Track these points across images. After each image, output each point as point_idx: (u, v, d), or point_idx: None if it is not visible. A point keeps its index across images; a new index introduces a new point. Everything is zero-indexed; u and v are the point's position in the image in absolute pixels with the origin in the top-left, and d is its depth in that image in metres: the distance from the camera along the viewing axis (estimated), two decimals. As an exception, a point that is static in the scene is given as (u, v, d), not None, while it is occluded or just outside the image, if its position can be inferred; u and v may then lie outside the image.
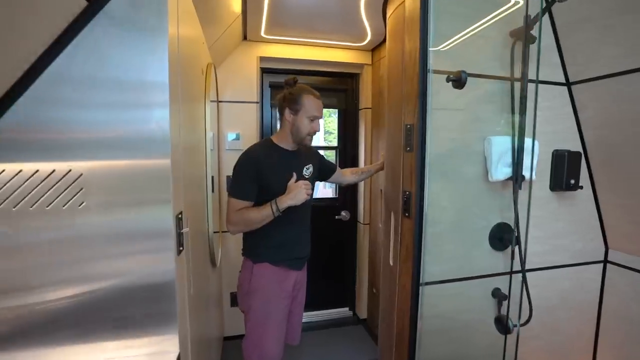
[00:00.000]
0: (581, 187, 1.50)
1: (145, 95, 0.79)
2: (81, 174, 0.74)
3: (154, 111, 0.80)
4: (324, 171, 1.69)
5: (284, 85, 1.45)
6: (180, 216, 0.90)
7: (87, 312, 0.79)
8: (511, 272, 1.39)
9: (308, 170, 1.51)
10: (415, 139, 1.30)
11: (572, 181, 1.48)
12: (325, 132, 4.18)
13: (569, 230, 1.60)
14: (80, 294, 0.80)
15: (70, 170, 0.74)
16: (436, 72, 1.27)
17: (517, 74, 1.35)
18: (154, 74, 0.79)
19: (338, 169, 1.76)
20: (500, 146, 1.33)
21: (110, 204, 0.78)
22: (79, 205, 0.75)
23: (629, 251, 1.57)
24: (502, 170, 1.35)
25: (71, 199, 0.75)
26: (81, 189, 0.75)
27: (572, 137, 1.55)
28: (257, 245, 1.42)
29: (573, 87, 1.49)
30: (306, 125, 1.39)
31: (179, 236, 0.88)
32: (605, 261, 1.67)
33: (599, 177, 1.55)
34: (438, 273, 1.38)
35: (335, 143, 2.83)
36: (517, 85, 1.35)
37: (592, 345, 1.71)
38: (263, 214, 1.31)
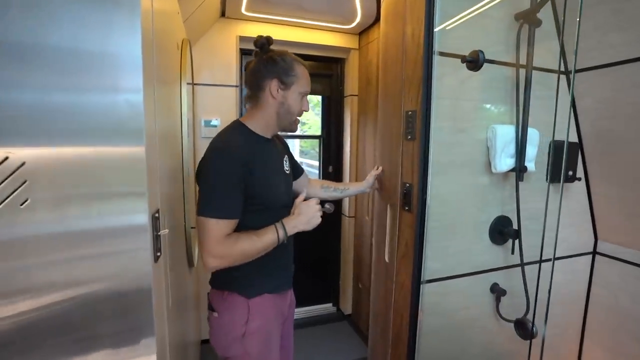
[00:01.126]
0: (579, 179, 1.47)
1: (113, 72, 0.62)
2: (23, 163, 0.57)
3: (124, 91, 0.63)
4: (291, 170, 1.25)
5: (257, 47, 1.05)
6: (157, 215, 0.74)
7: (42, 332, 0.63)
8: (522, 265, 1.34)
9: (287, 164, 1.17)
10: (417, 127, 1.20)
11: (571, 173, 1.45)
12: (302, 124, 3.99)
13: (564, 223, 1.57)
14: (29, 311, 0.63)
15: (7, 158, 0.56)
16: (442, 54, 1.16)
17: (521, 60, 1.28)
18: (123, 45, 0.63)
19: (305, 174, 1.37)
20: (505, 136, 1.26)
21: (64, 199, 0.61)
22: (22, 204, 0.58)
23: (618, 242, 1.58)
24: (505, 161, 1.28)
25: (11, 194, 0.57)
26: (24, 181, 0.57)
27: (568, 127, 1.52)
28: (249, 274, 1.02)
29: (571, 76, 1.45)
30: (298, 103, 1.06)
31: (157, 239, 0.73)
32: (595, 252, 1.67)
33: (594, 168, 1.54)
34: (438, 270, 1.31)
35: (312, 132, 2.69)
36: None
37: (579, 335, 1.72)
38: (265, 242, 0.95)
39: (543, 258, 1.55)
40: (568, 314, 1.69)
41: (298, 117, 1.10)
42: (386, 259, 1.43)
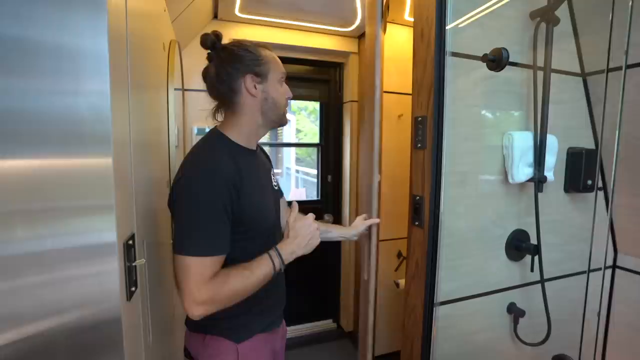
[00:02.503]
0: (600, 189, 1.37)
1: (72, 74, 0.51)
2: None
3: (87, 95, 0.51)
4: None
5: (207, 48, 0.87)
6: (131, 242, 0.61)
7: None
8: (543, 282, 1.22)
9: (274, 179, 1.03)
10: (429, 134, 1.09)
11: (590, 182, 1.35)
12: (297, 132, 3.78)
13: (582, 236, 1.47)
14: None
15: None
16: (455, 54, 1.06)
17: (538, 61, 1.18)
18: (85, 45, 0.51)
19: (284, 197, 1.14)
20: (523, 143, 1.15)
21: (8, 216, 0.48)
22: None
23: (640, 255, 1.48)
24: (523, 171, 1.17)
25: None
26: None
27: (585, 133, 1.42)
28: (237, 314, 0.84)
29: (589, 79, 1.36)
30: (280, 92, 0.89)
31: (130, 272, 0.60)
32: (615, 266, 1.56)
33: (614, 176, 1.43)
34: (452, 290, 1.19)
35: (308, 140, 2.57)
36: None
37: (600, 356, 1.60)
38: (259, 276, 0.79)
39: (560, 274, 1.45)
40: (587, 333, 1.58)
41: (287, 106, 0.95)
42: (365, 276, 1.32)
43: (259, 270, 0.79)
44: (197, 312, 0.72)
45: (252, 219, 0.82)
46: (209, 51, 0.88)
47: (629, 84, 1.24)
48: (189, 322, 0.89)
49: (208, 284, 0.72)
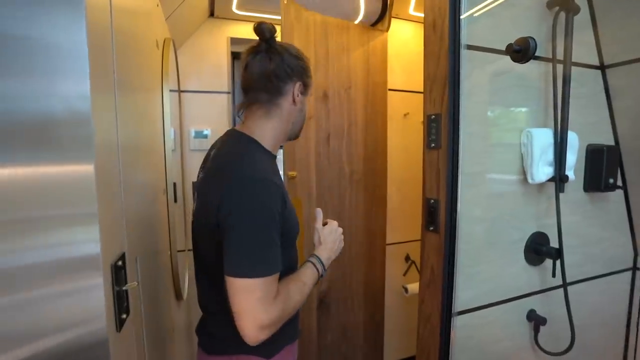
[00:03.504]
0: (620, 187, 1.30)
1: (47, 75, 0.43)
2: None
3: (64, 98, 0.44)
4: None
5: (264, 37, 0.77)
6: (121, 263, 0.54)
7: None
8: (565, 287, 1.15)
9: None
10: (443, 133, 1.02)
11: (611, 180, 1.27)
12: None
13: (601, 237, 1.40)
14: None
15: None
16: (470, 47, 0.99)
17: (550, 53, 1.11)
18: (60, 43, 0.43)
19: None
20: (543, 141, 1.08)
21: None
22: None
23: (662, 256, 1.41)
24: (543, 170, 1.10)
25: None
26: None
27: (605, 129, 1.35)
28: None
29: (608, 71, 1.29)
30: (309, 109, 0.91)
31: (120, 297, 0.52)
32: (635, 268, 1.49)
33: (634, 174, 1.37)
34: (469, 299, 1.11)
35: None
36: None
37: (621, 362, 1.53)
38: (311, 285, 0.77)
39: (580, 277, 1.37)
40: (607, 338, 1.51)
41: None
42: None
43: (310, 279, 0.77)
44: (262, 335, 0.65)
45: (290, 228, 0.77)
46: (261, 41, 0.78)
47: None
48: (209, 344, 0.80)
49: (274, 304, 0.66)
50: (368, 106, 1.81)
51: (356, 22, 1.90)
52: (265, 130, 0.80)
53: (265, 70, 0.77)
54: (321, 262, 0.81)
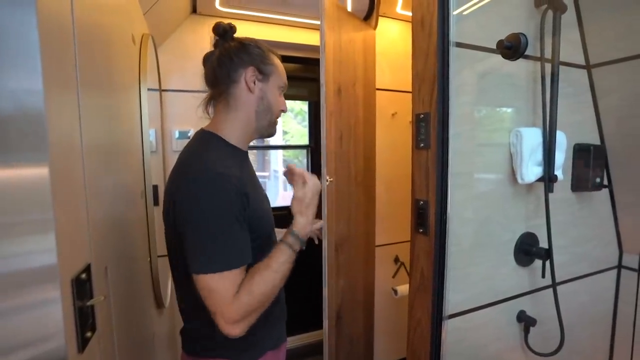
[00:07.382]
0: (606, 186, 1.30)
1: None
2: None
3: (11, 92, 0.39)
4: None
5: (218, 35, 0.82)
6: (85, 276, 0.49)
7: None
8: (555, 287, 1.14)
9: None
10: (432, 132, 0.99)
11: (598, 180, 1.28)
12: (284, 133, 3.66)
13: (588, 236, 1.40)
14: None
15: None
16: (459, 45, 0.97)
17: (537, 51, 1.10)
18: (8, 28, 0.38)
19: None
20: (532, 140, 1.07)
21: None
22: None
23: (647, 254, 1.42)
24: (533, 170, 1.09)
25: None
26: None
27: (590, 128, 1.35)
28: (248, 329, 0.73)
29: (594, 71, 1.29)
30: (277, 100, 0.84)
31: (83, 314, 0.47)
32: (620, 266, 1.51)
33: (619, 173, 1.37)
34: (459, 302, 1.09)
35: (295, 142, 2.46)
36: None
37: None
38: (284, 265, 0.72)
39: (568, 277, 1.37)
40: (595, 336, 1.51)
41: (278, 117, 0.89)
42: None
43: (280, 258, 0.71)
44: (236, 331, 0.65)
45: (260, 223, 0.76)
46: (216, 38, 0.83)
47: (636, 75, 1.18)
48: (189, 345, 0.78)
49: (236, 299, 0.65)
50: (365, 104, 1.76)
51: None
52: (227, 123, 0.80)
53: (209, 61, 0.81)
54: (292, 233, 0.76)
